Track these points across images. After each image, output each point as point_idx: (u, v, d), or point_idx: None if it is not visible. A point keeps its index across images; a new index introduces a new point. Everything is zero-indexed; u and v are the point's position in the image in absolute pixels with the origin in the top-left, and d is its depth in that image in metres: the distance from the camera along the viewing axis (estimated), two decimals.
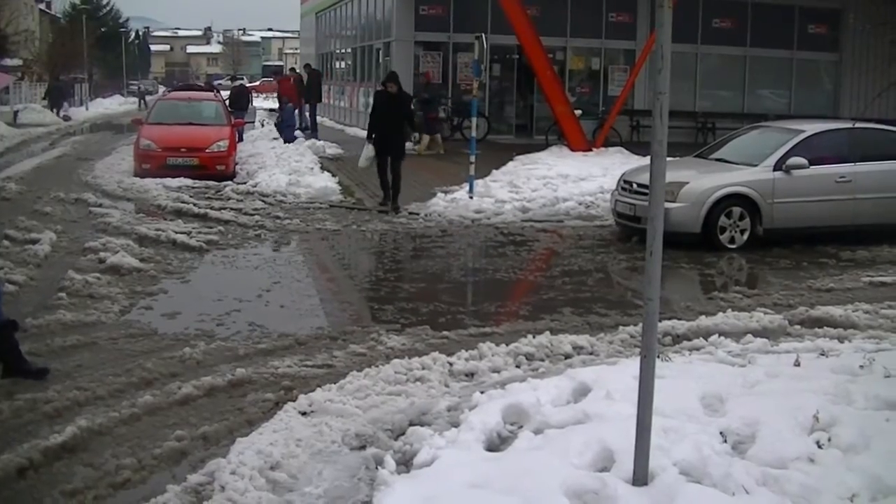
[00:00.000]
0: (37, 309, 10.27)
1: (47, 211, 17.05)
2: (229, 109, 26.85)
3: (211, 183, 20.89)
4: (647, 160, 17.11)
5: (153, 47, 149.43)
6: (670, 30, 4.73)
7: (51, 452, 6.41)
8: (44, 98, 52.65)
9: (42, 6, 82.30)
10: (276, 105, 37.60)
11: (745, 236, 14.57)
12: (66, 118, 48.47)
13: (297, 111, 32.75)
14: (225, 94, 31.89)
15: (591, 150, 25.27)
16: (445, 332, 9.67)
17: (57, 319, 9.75)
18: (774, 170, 14.66)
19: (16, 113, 45.25)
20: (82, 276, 11.53)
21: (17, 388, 7.72)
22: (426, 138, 27.85)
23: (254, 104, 39.10)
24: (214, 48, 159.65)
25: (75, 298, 10.76)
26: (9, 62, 53.80)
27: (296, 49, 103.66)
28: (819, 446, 5.60)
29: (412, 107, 20.48)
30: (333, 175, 22.06)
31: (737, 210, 14.53)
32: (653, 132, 4.80)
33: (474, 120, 19.31)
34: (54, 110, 49.14)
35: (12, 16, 50.45)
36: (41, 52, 66.84)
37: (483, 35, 18.74)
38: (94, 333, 9.38)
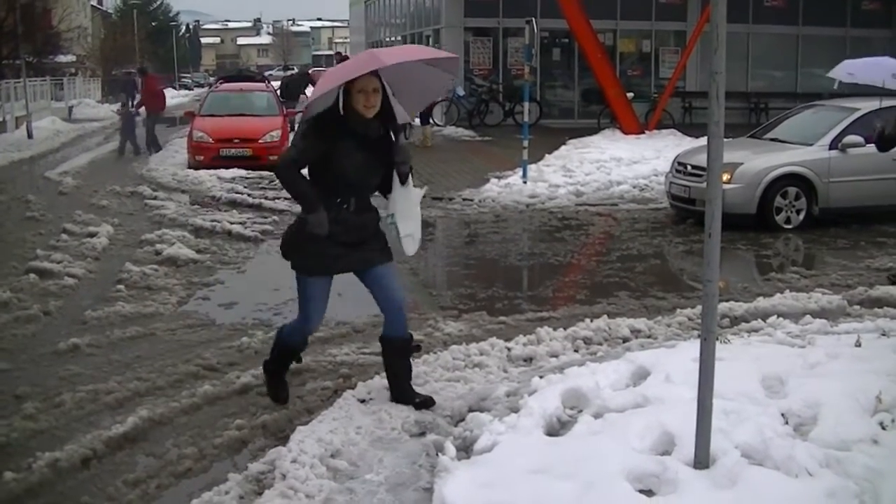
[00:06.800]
0: (96, 301, 10.38)
1: (104, 204, 17.24)
2: (281, 100, 26.98)
3: (264, 173, 20.93)
4: (700, 142, 16.90)
5: (203, 40, 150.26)
6: (725, 8, 4.67)
7: (113, 442, 6.49)
8: (107, 94, 53.00)
9: (94, 2, 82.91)
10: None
11: (802, 216, 14.44)
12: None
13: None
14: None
15: (643, 132, 25.14)
16: (503, 318, 9.67)
17: (116, 311, 9.84)
18: (830, 149, 14.52)
19: (70, 108, 45.68)
20: (140, 268, 11.64)
21: (78, 380, 7.81)
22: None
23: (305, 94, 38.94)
24: (264, 39, 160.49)
25: (133, 290, 10.86)
26: (62, 58, 54.26)
27: (346, 38, 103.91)
28: (882, 427, 5.53)
29: None
30: None
31: (792, 190, 14.40)
32: (709, 113, 4.74)
33: (526, 105, 19.26)
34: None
35: (65, 13, 50.87)
36: (94, 48, 67.47)
37: (533, 19, 18.68)
38: (153, 324, 9.46)
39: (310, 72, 41.57)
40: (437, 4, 34.71)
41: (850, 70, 12.93)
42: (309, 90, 38.04)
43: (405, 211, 6.86)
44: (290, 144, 6.59)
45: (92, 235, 13.72)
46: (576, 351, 8.41)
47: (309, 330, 7.15)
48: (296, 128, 28.51)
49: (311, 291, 6.91)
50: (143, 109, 27.78)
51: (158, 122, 27.61)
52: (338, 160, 6.48)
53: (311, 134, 6.56)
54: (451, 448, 5.75)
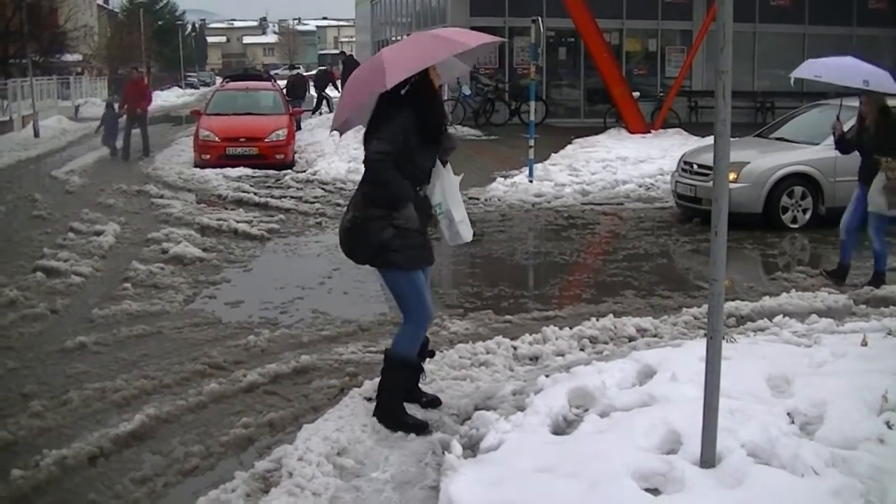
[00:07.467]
0: (102, 300, 10.39)
1: (110, 203, 17.25)
2: (287, 98, 26.99)
3: (270, 172, 21.05)
4: (705, 141, 16.77)
5: (209, 39, 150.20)
6: (731, 7, 4.67)
7: (120, 440, 6.51)
8: (112, 93, 52.86)
9: (100, 1, 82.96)
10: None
11: (808, 216, 14.43)
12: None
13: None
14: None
15: (649, 131, 25.14)
16: (509, 317, 9.67)
17: (122, 310, 9.85)
18: (836, 148, 14.46)
19: (77, 107, 45.69)
20: (146, 267, 11.66)
21: (86, 378, 7.83)
22: None
23: (311, 92, 38.96)
24: (270, 38, 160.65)
25: (140, 289, 10.87)
26: (69, 57, 54.28)
27: (351, 37, 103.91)
28: (889, 427, 5.53)
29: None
30: None
31: (799, 189, 14.39)
32: (716, 112, 4.73)
33: (532, 104, 19.24)
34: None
35: (71, 12, 50.87)
36: (100, 48, 67.53)
37: (539, 18, 18.67)
38: (159, 323, 9.47)
39: (333, 70, 41.63)
40: (442, 4, 34.65)
41: (817, 72, 12.81)
42: (329, 88, 38.10)
43: (453, 197, 6.66)
44: (377, 138, 6.14)
45: (98, 234, 13.74)
46: (582, 350, 8.42)
47: (428, 321, 6.80)
48: (301, 126, 28.59)
49: (417, 284, 6.60)
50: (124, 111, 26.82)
51: (142, 124, 26.59)
52: (422, 146, 6.26)
53: (399, 122, 6.16)
54: (457, 446, 5.75)
